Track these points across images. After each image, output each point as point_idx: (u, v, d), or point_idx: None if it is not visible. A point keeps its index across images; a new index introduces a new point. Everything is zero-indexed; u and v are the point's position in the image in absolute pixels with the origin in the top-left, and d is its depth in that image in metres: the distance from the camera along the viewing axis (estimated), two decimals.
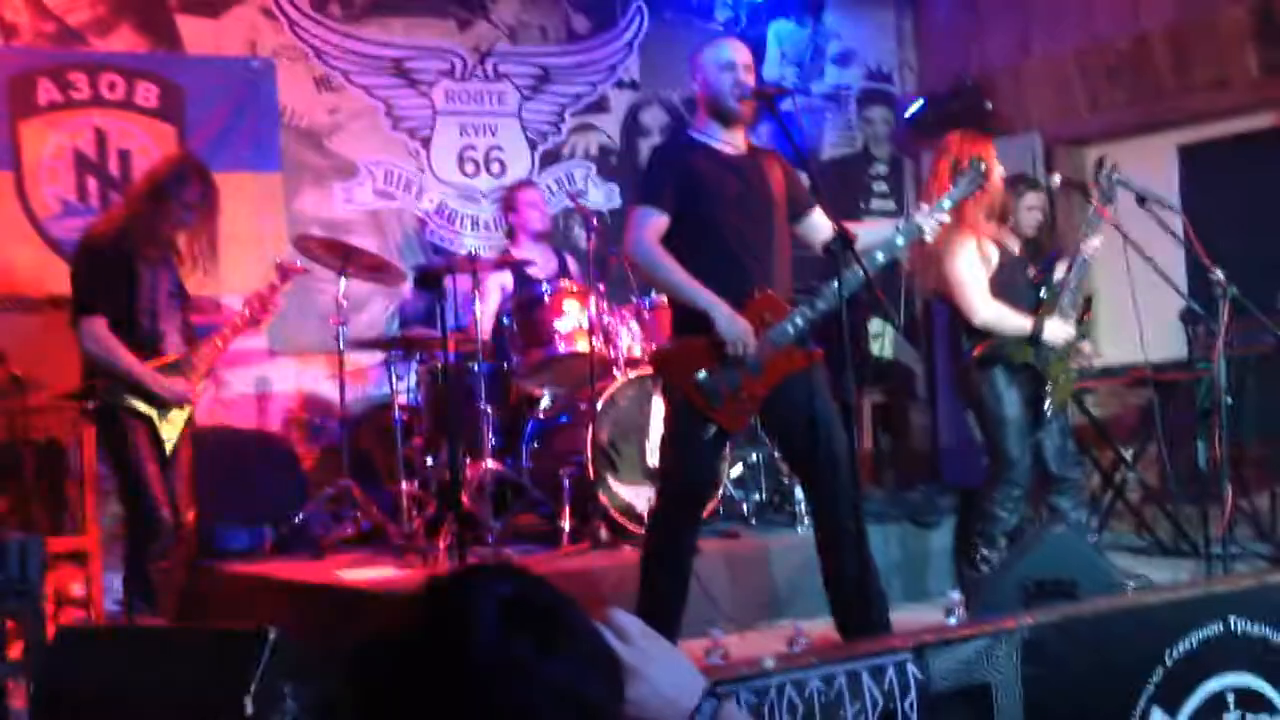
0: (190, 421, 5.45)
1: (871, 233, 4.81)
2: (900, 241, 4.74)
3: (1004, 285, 5.63)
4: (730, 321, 4.51)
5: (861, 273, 4.43)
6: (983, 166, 4.97)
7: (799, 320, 4.59)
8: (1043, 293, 5.68)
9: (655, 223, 4.62)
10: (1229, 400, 5.57)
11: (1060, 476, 5.78)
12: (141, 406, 5.22)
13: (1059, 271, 5.77)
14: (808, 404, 4.62)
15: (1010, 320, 5.59)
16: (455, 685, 1.18)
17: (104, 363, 5.18)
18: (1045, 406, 5.61)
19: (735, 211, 4.66)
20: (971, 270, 5.60)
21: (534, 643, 1.21)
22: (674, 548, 4.74)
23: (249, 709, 2.93)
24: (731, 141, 4.77)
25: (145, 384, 5.20)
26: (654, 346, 6.27)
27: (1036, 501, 6.02)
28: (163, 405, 5.27)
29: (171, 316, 5.37)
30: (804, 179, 4.97)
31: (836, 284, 4.44)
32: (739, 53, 4.79)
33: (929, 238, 4.81)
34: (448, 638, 1.21)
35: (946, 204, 4.82)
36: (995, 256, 5.64)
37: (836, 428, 4.65)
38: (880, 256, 4.66)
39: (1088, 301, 5.82)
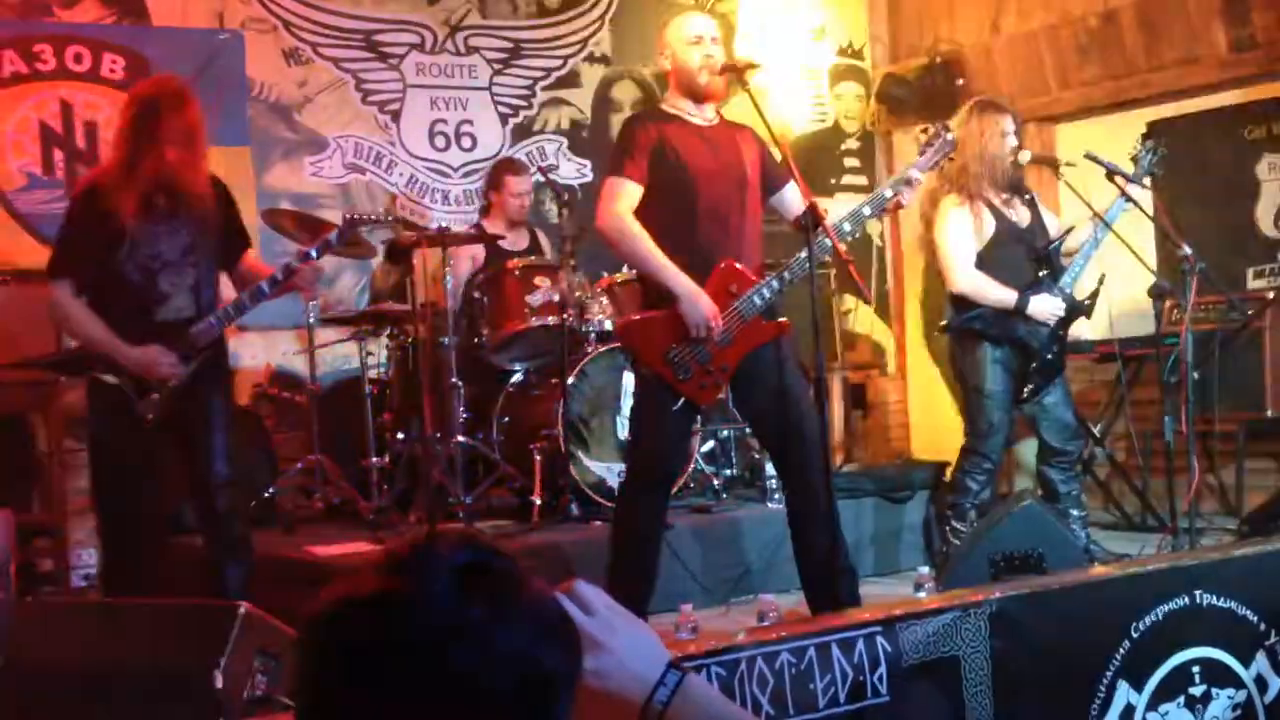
0: (204, 386, 4.68)
1: (844, 207, 4.83)
2: (867, 211, 4.75)
3: (1000, 256, 5.61)
4: (694, 304, 4.50)
5: (831, 246, 4.46)
6: (949, 136, 4.97)
7: (766, 292, 4.60)
8: (1043, 265, 5.65)
9: (628, 194, 4.61)
10: (1196, 375, 5.60)
11: (1058, 449, 5.78)
12: (112, 379, 4.59)
13: (1070, 243, 5.73)
14: (776, 377, 4.64)
15: (990, 292, 5.57)
16: (409, 651, 1.18)
17: (65, 329, 4.73)
18: (1032, 382, 5.61)
19: (706, 184, 4.65)
20: (956, 238, 5.60)
21: (489, 611, 1.21)
22: (644, 523, 4.74)
23: (219, 683, 2.93)
24: (703, 115, 4.77)
25: (106, 352, 4.55)
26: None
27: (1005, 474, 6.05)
28: (137, 379, 4.58)
29: (180, 276, 4.63)
30: (776, 154, 4.97)
31: (805, 256, 4.47)
32: (707, 26, 4.78)
33: (905, 201, 4.79)
34: (402, 604, 1.21)
35: (913, 173, 4.81)
36: (991, 226, 5.62)
37: (805, 401, 4.67)
38: (847, 226, 4.67)
39: (1100, 281, 5.78)
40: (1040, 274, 5.63)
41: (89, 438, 4.90)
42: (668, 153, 4.64)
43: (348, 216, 5.04)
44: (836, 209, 4.76)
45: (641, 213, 4.61)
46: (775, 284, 4.60)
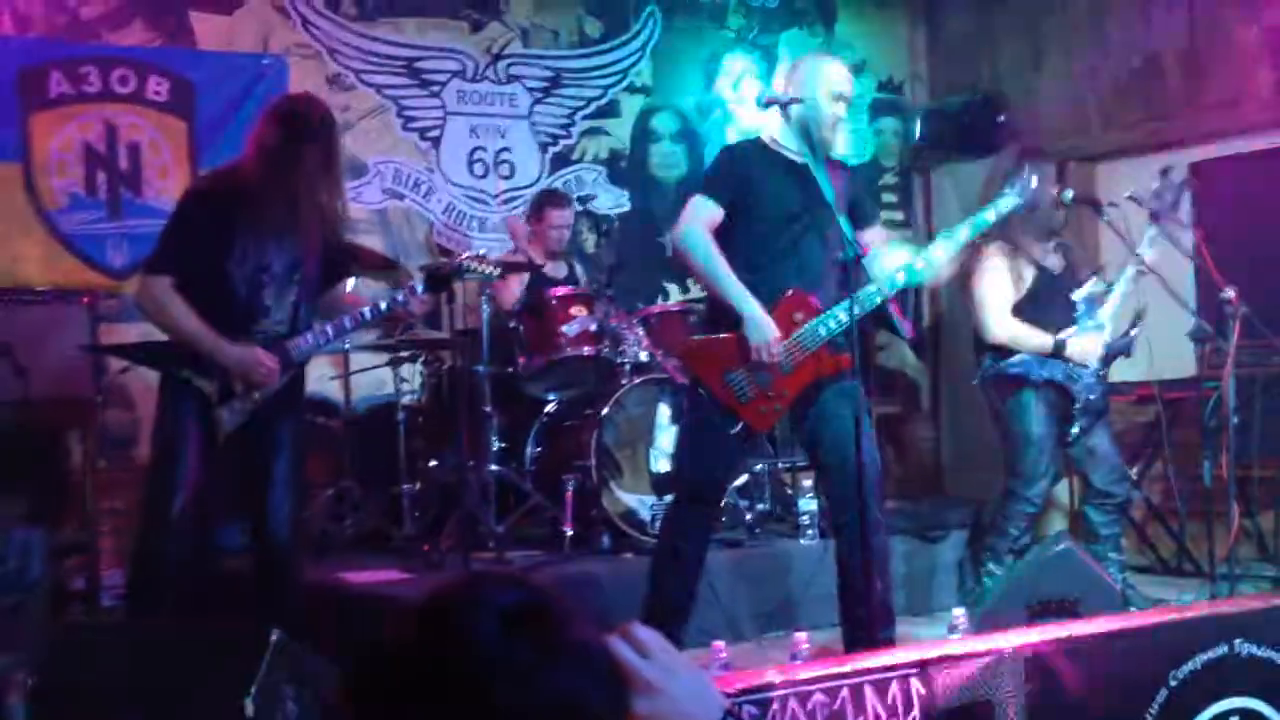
0: (282, 408, 4.60)
1: (898, 250, 4.77)
2: (918, 277, 4.69)
3: (1039, 304, 5.59)
4: (759, 326, 4.50)
5: (874, 284, 4.48)
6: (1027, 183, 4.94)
7: (831, 323, 4.56)
8: (1078, 309, 5.62)
9: (709, 214, 4.62)
10: (1236, 420, 5.55)
11: (1104, 491, 5.74)
12: (197, 381, 4.44)
13: (1097, 286, 5.70)
14: (836, 411, 4.61)
15: (1029, 339, 5.56)
16: (455, 693, 1.18)
17: (157, 324, 4.50)
18: (1074, 424, 5.57)
19: (791, 217, 4.63)
20: (993, 287, 5.59)
21: (535, 653, 1.21)
22: (686, 548, 4.72)
23: (250, 710, 2.92)
24: (802, 151, 4.69)
25: (206, 349, 4.40)
26: (665, 346, 6.26)
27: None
28: (224, 383, 4.46)
29: (284, 294, 4.55)
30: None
31: (874, 290, 4.54)
32: (849, 84, 4.75)
33: (945, 266, 4.75)
34: (449, 645, 1.21)
35: (960, 232, 4.78)
36: (1031, 274, 5.61)
37: (864, 438, 4.63)
38: (899, 278, 4.63)
39: (1137, 316, 5.73)
40: (1076, 315, 5.60)
41: (158, 439, 4.62)
42: (759, 188, 4.63)
43: (452, 262, 5.06)
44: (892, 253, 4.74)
45: (722, 237, 4.61)
46: (841, 317, 4.51)
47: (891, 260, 4.68)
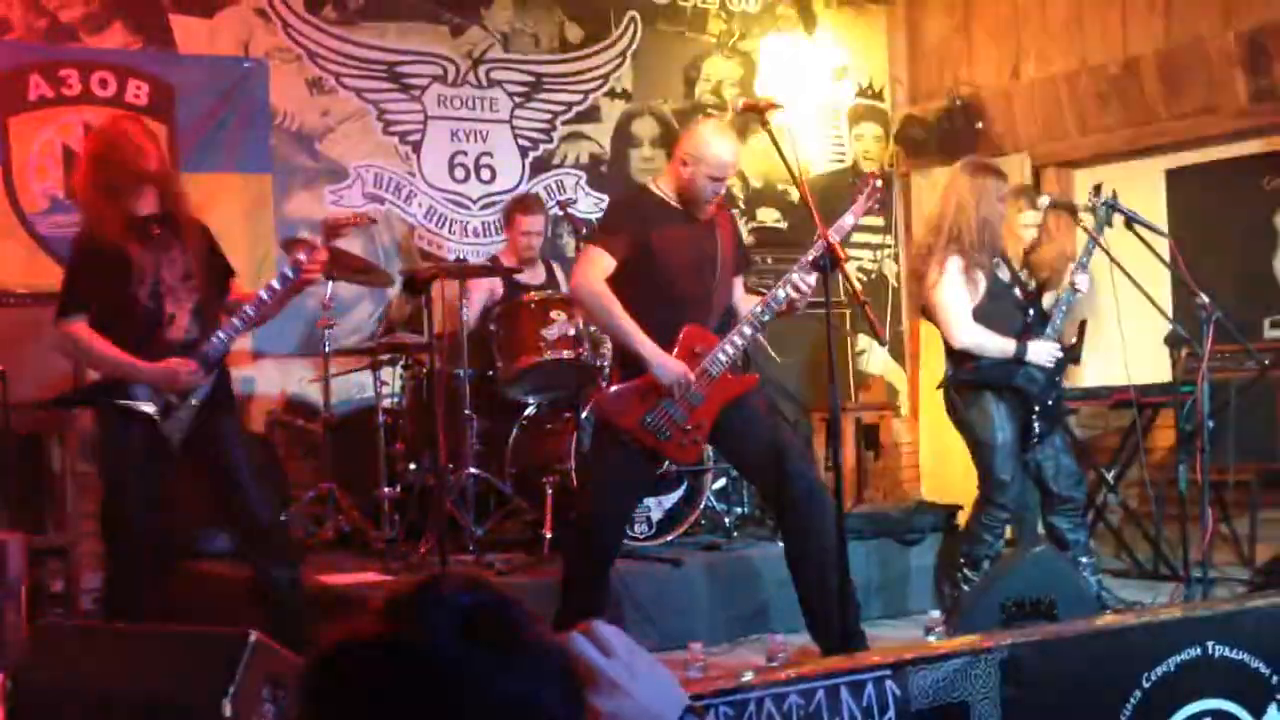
0: (219, 407, 4.94)
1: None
2: (800, 272, 4.79)
3: (993, 310, 5.65)
4: (663, 366, 4.70)
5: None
6: (879, 183, 5.12)
7: (729, 349, 4.80)
8: (1029, 315, 5.70)
9: (603, 264, 4.79)
10: (1211, 424, 5.59)
11: (1062, 496, 5.79)
12: (137, 405, 4.74)
13: (1048, 296, 5.80)
14: (753, 426, 4.87)
15: (992, 343, 5.60)
16: (410, 696, 1.19)
17: (85, 363, 4.94)
18: (1034, 428, 5.62)
19: (682, 273, 4.84)
20: (953, 293, 5.62)
21: (492, 655, 1.22)
22: (594, 576, 4.92)
23: (227, 711, 2.92)
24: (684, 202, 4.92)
25: (128, 374, 4.72)
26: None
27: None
28: (163, 399, 4.77)
29: (183, 299, 4.84)
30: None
31: (760, 310, 4.77)
32: (731, 167, 4.88)
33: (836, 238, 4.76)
34: (404, 647, 1.21)
35: (848, 220, 4.98)
36: (983, 282, 5.65)
37: (787, 444, 4.92)
38: (781, 293, 4.79)
39: (1082, 326, 5.83)
40: (1028, 321, 5.68)
41: (105, 469, 5.01)
42: (649, 240, 4.82)
43: (327, 220, 5.27)
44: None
45: (616, 285, 4.79)
46: (738, 339, 4.82)
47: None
